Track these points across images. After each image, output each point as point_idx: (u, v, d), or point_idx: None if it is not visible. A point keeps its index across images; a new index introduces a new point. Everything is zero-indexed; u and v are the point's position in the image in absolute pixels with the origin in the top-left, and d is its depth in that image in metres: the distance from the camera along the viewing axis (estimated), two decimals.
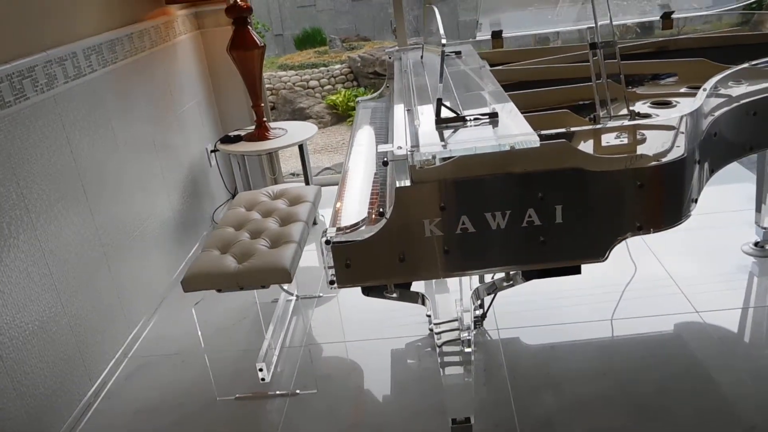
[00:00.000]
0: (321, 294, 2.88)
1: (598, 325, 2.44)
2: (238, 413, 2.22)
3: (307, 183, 3.64)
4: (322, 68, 7.87)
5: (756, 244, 2.79)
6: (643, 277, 2.71)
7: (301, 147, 3.49)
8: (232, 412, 2.23)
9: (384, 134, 2.22)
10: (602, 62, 1.78)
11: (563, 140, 1.47)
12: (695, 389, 2.06)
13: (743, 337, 2.30)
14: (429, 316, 2.42)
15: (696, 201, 1.63)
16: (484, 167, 1.44)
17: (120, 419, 2.26)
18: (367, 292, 1.72)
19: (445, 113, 1.54)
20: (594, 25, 1.85)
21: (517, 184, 1.45)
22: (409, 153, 1.44)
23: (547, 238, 1.48)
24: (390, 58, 2.90)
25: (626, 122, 1.78)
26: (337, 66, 7.88)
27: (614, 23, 1.92)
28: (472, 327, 2.34)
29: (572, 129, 1.66)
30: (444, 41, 1.69)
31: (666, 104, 2.04)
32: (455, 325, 1.86)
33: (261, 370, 2.32)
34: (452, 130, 1.50)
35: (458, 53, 2.54)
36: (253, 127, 3.55)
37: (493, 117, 1.51)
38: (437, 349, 1.96)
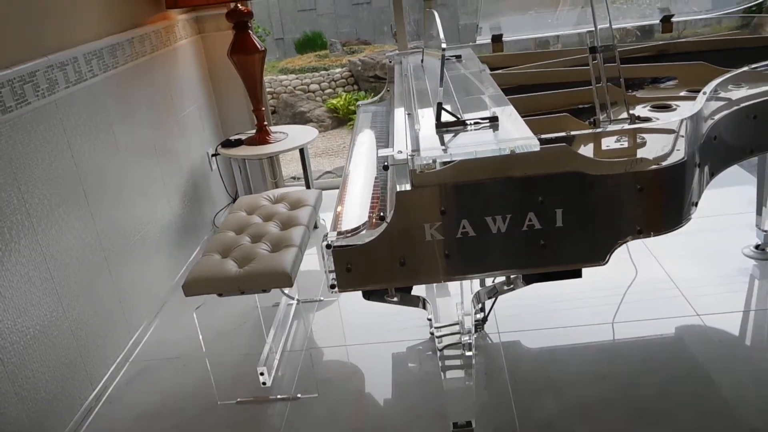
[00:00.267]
0: (322, 298, 2.88)
1: (598, 328, 2.44)
2: (239, 417, 2.22)
3: (307, 187, 3.65)
4: (323, 72, 7.89)
5: (757, 247, 2.79)
6: (644, 280, 2.71)
7: (301, 151, 3.49)
8: (234, 416, 2.23)
9: (384, 138, 2.23)
10: (602, 66, 1.79)
11: (563, 144, 1.47)
12: (696, 392, 2.06)
13: (744, 340, 2.30)
14: (430, 319, 2.42)
15: (696, 204, 1.63)
16: (484, 171, 1.44)
17: (121, 424, 2.26)
18: (368, 296, 1.73)
19: (446, 117, 1.54)
20: (594, 28, 1.85)
21: (517, 188, 1.45)
22: (409, 157, 1.45)
23: (547, 241, 1.48)
24: (390, 61, 2.91)
25: (626, 126, 1.78)
26: (338, 70, 7.89)
27: (614, 27, 1.92)
28: (473, 330, 2.34)
29: (572, 133, 1.67)
30: (444, 45, 1.69)
31: (666, 108, 2.05)
32: (456, 328, 1.87)
33: (262, 374, 2.32)
34: (452, 134, 1.50)
35: (458, 57, 2.54)
36: (254, 131, 3.56)
37: (494, 121, 1.51)
38: (438, 353, 1.96)
